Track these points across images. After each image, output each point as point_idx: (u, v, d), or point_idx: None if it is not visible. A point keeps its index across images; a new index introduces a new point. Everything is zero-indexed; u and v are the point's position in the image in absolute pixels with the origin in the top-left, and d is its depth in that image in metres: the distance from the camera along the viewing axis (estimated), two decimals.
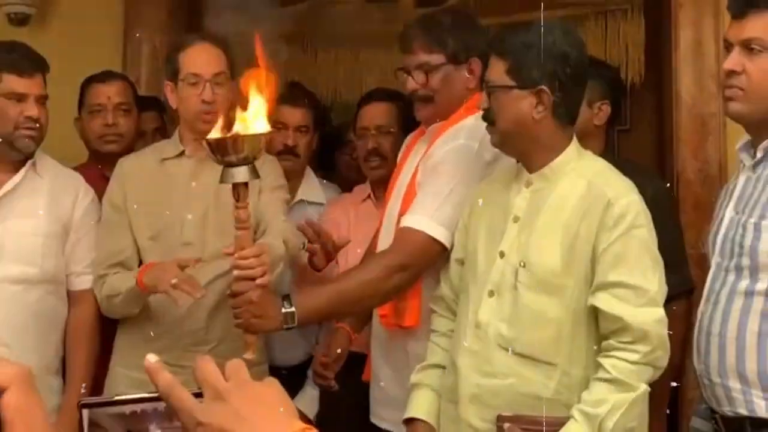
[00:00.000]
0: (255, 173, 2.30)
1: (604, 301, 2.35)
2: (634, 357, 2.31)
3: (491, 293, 2.48)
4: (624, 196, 2.39)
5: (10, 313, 3.02)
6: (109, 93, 3.57)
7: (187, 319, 3.03)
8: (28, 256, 3.06)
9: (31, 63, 3.05)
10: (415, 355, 2.79)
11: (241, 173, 2.28)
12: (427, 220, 2.71)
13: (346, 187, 3.92)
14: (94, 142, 3.62)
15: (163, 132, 3.81)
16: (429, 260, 2.73)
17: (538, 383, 2.40)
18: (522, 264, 2.43)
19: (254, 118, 2.24)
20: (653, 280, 2.36)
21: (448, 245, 2.71)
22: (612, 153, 3.75)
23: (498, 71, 2.48)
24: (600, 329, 2.38)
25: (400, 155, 3.14)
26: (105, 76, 3.63)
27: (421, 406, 2.63)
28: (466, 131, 2.79)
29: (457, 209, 2.69)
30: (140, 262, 3.09)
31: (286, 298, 2.56)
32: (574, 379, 2.39)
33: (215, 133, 2.27)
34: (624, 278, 2.34)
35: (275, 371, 3.26)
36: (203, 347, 3.00)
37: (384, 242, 2.90)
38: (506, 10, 4.22)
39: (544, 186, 2.49)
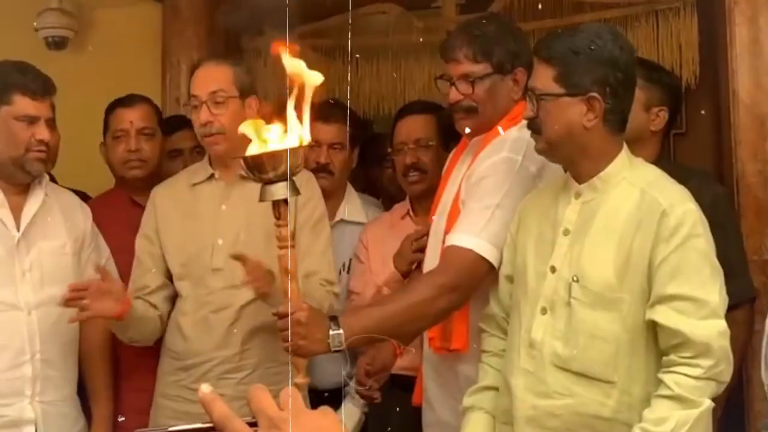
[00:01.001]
0: (295, 189, 2.25)
1: (663, 314, 2.27)
2: (697, 372, 2.23)
3: (544, 310, 2.41)
4: (679, 205, 2.31)
5: (57, 336, 3.04)
6: (131, 117, 3.50)
7: (221, 347, 3.00)
8: (63, 275, 3.06)
9: (43, 86, 3.02)
10: (466, 378, 2.73)
11: (280, 190, 2.22)
12: (474, 237, 2.63)
13: (388, 201, 3.84)
14: (118, 168, 3.57)
15: (201, 150, 3.77)
16: (477, 279, 2.66)
17: (597, 403, 2.33)
18: (575, 278, 2.36)
19: (290, 132, 2.16)
20: (713, 291, 2.28)
21: (496, 263, 2.64)
22: (668, 158, 3.66)
23: (545, 78, 2.40)
24: (660, 344, 2.30)
25: (444, 170, 3.06)
26: (129, 100, 3.56)
27: (475, 430, 2.56)
28: (509, 144, 2.72)
29: (504, 225, 2.62)
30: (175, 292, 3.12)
31: (334, 319, 2.49)
32: (634, 397, 2.32)
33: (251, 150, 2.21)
34: (683, 290, 2.26)
35: (316, 393, 3.22)
36: (237, 375, 2.99)
37: (430, 261, 2.84)
38: (552, 14, 4.15)
39: (594, 197, 2.41)
